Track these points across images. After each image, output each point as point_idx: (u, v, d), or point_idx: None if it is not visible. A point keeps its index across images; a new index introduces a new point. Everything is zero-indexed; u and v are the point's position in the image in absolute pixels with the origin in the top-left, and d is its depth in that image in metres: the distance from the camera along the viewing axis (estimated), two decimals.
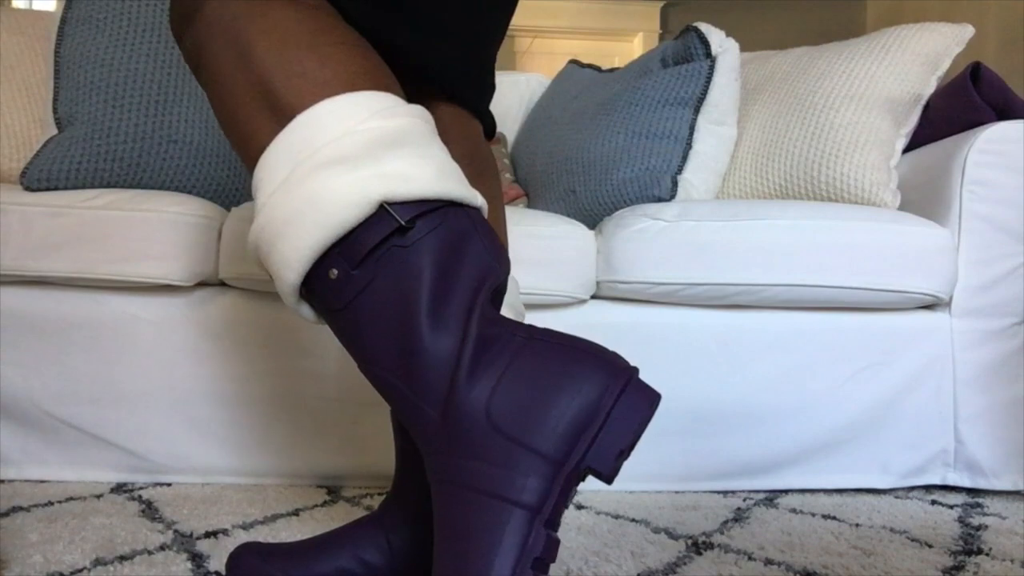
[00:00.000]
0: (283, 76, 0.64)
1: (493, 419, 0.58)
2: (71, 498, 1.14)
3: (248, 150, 0.66)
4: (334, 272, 0.61)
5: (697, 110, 1.51)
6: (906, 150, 1.52)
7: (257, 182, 0.64)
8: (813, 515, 1.16)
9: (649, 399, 0.59)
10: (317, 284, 0.63)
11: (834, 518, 1.15)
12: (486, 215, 0.68)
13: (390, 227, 0.60)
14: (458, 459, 0.58)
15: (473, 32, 0.82)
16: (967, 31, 1.51)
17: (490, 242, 0.65)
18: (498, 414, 0.58)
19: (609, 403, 0.58)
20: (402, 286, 0.60)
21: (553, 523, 0.57)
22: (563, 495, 0.57)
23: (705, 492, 1.30)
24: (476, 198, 0.66)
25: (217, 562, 0.89)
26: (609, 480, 0.58)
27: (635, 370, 0.60)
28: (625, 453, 0.58)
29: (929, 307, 1.34)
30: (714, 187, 1.54)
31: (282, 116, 0.63)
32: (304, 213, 0.60)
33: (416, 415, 0.61)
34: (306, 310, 0.67)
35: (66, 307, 1.24)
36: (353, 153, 0.61)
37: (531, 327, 0.63)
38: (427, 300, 0.60)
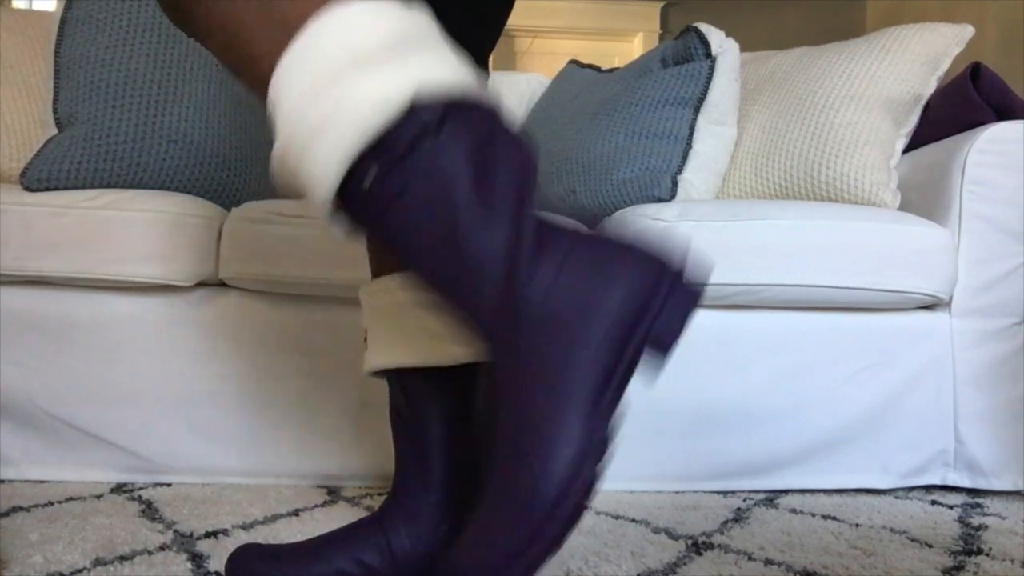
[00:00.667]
0: None
1: (553, 312, 0.58)
2: (71, 498, 1.14)
3: (257, 71, 0.62)
4: (368, 177, 0.59)
5: (697, 110, 1.51)
6: (906, 150, 1.52)
7: (273, 103, 0.61)
8: (813, 515, 1.16)
9: (694, 294, 0.60)
10: (352, 194, 0.60)
11: (834, 518, 1.15)
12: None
13: (421, 126, 0.58)
14: (516, 356, 0.58)
15: (479, 35, 0.82)
16: (967, 31, 1.51)
17: (517, 138, 0.63)
18: (557, 307, 0.58)
19: (664, 291, 0.59)
20: (442, 184, 0.59)
21: (609, 419, 0.58)
22: (619, 389, 0.58)
23: (705, 492, 1.30)
24: (495, 98, 0.64)
25: (217, 562, 0.89)
26: (663, 363, 0.59)
27: (684, 264, 0.61)
28: (676, 344, 0.59)
29: (929, 307, 1.34)
30: (714, 187, 1.54)
31: (291, 29, 0.60)
32: (331, 121, 0.58)
33: (469, 313, 0.60)
34: (340, 225, 0.64)
35: (66, 307, 1.24)
36: (374, 56, 0.58)
37: (574, 222, 0.63)
38: (470, 195, 0.59)
